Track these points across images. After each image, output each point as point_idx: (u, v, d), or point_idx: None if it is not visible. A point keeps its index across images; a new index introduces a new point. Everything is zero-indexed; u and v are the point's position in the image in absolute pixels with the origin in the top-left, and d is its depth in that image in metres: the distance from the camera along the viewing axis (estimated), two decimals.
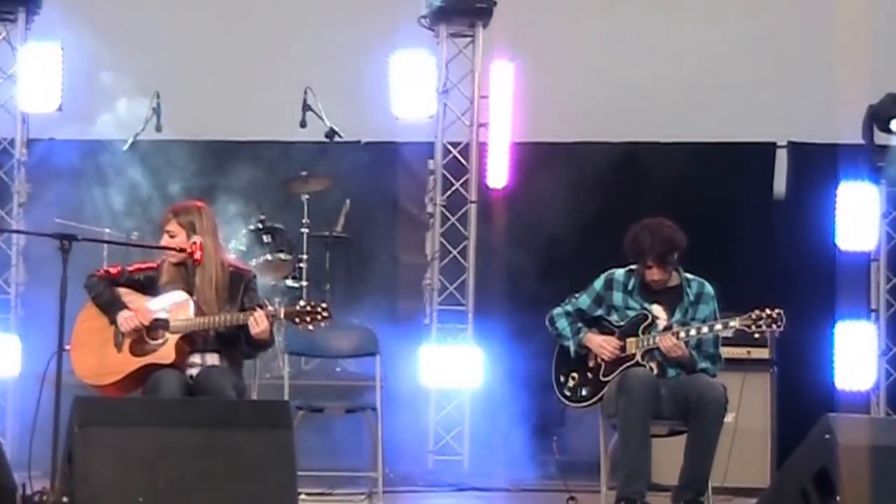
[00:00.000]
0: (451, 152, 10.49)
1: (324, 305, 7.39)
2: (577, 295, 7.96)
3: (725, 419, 7.64)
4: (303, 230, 10.43)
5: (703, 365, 7.76)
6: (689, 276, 7.88)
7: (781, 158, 11.05)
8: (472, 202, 10.42)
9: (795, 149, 10.97)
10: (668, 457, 7.87)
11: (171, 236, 7.48)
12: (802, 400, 9.52)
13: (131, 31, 10.47)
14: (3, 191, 10.10)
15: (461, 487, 9.21)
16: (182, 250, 7.41)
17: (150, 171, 10.18)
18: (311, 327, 7.37)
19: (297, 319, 7.37)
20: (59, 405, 6.54)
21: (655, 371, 7.71)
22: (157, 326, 7.40)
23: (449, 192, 10.45)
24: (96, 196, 10.25)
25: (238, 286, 7.50)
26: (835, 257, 10.24)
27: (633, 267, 7.87)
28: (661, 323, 7.77)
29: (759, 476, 8.78)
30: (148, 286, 7.51)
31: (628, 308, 7.83)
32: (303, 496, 7.15)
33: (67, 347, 7.09)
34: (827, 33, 9.97)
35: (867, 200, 10.24)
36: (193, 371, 7.41)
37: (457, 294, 10.35)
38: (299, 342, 8.52)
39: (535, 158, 10.61)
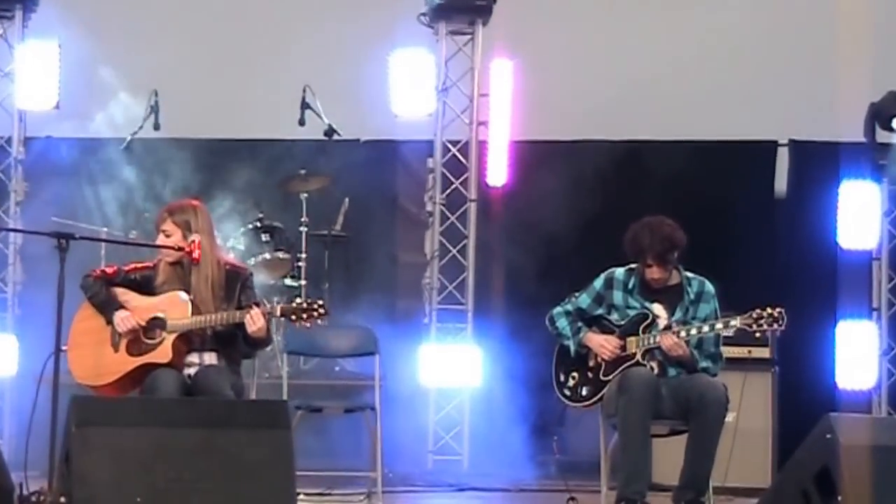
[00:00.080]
0: (450, 151, 10.49)
1: (320, 302, 7.37)
2: (577, 294, 7.95)
3: (726, 419, 7.62)
4: (301, 229, 10.41)
5: (703, 364, 7.74)
6: (689, 274, 7.86)
7: (782, 157, 11.03)
8: (471, 201, 10.42)
9: (797, 147, 10.95)
10: (668, 457, 7.85)
11: (167, 235, 7.46)
12: (803, 399, 9.52)
13: (129, 29, 10.47)
14: (0, 189, 10.08)
15: (461, 487, 9.20)
16: (180, 249, 7.40)
17: (147, 170, 10.17)
18: (307, 325, 7.35)
19: (294, 317, 7.35)
20: (57, 405, 6.54)
21: (656, 370, 7.70)
22: (154, 326, 7.38)
23: (448, 191, 10.45)
24: (94, 195, 10.24)
25: (235, 285, 7.48)
26: (836, 256, 10.24)
27: (633, 266, 7.86)
28: (662, 322, 7.76)
29: (760, 476, 8.77)
30: (144, 286, 7.49)
31: (628, 307, 7.82)
32: (301, 496, 7.13)
33: (64, 348, 7.07)
34: (828, 31, 9.96)
35: (869, 199, 10.24)
36: (191, 370, 7.39)
37: (456, 293, 10.34)
38: (298, 342, 8.52)
39: (534, 157, 10.60)
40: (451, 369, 10.14)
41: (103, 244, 9.69)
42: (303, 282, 10.29)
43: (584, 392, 7.85)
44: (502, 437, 9.68)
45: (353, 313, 10.28)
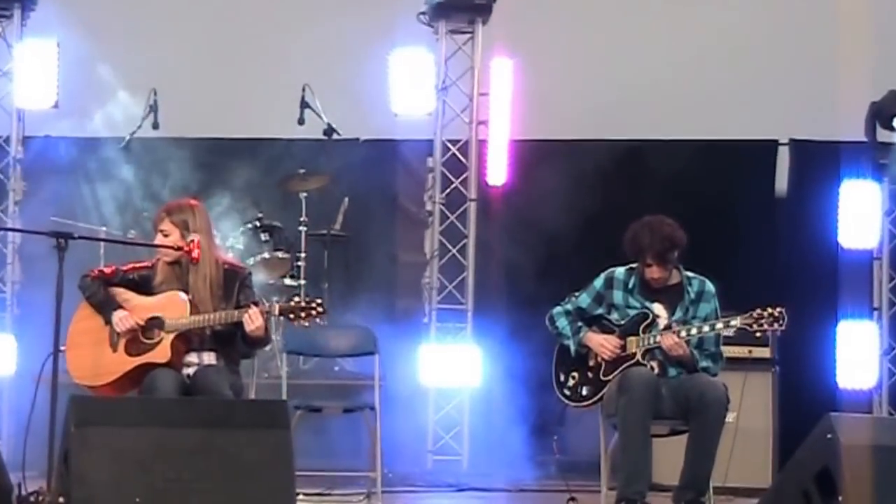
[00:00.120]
0: (450, 150, 10.48)
1: (318, 301, 7.36)
2: (577, 293, 7.94)
3: (727, 419, 7.61)
4: (301, 228, 10.40)
5: (703, 364, 7.73)
6: (689, 274, 7.86)
7: (783, 156, 11.02)
8: (471, 200, 10.41)
9: (797, 146, 10.94)
10: (668, 457, 7.85)
11: (165, 235, 7.46)
12: (804, 399, 9.49)
13: (128, 28, 10.45)
14: None
15: (460, 488, 9.18)
16: (179, 249, 7.39)
17: (146, 169, 10.16)
18: (305, 323, 7.34)
19: (292, 315, 7.34)
20: (56, 405, 6.52)
21: (656, 370, 7.69)
22: (153, 326, 7.36)
23: (448, 190, 10.44)
24: (93, 194, 10.22)
25: (233, 284, 7.47)
26: (837, 255, 10.22)
27: (633, 265, 7.85)
28: (662, 322, 7.75)
29: (761, 476, 8.76)
30: (143, 285, 7.48)
31: (629, 307, 7.81)
32: (301, 496, 7.14)
33: (63, 348, 7.05)
34: (828, 30, 9.94)
35: (869, 198, 10.22)
36: (190, 370, 7.38)
37: (456, 293, 10.33)
38: (297, 341, 8.52)
39: (534, 156, 10.58)
40: (450, 369, 10.13)
41: (102, 243, 9.68)
42: (302, 281, 10.27)
43: (584, 392, 7.84)
44: (502, 437, 9.67)
45: (352, 313, 10.29)
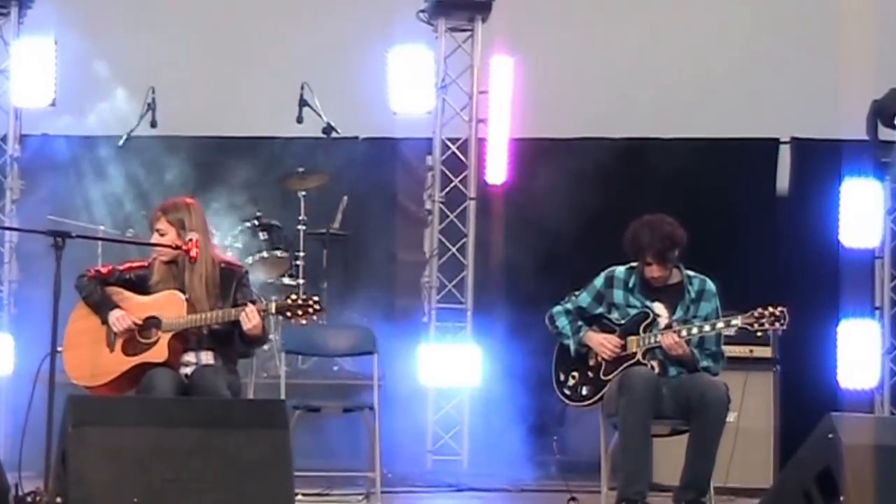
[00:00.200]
0: (449, 148, 10.46)
1: (315, 299, 7.34)
2: (577, 293, 7.93)
3: (727, 419, 7.60)
4: (299, 227, 10.37)
5: (704, 364, 7.72)
6: (690, 273, 7.85)
7: (784, 154, 11.01)
8: (471, 199, 10.39)
9: (798, 145, 10.93)
10: (669, 457, 7.84)
11: (161, 234, 7.44)
12: (805, 399, 9.48)
13: (126, 25, 10.43)
14: None
15: (460, 488, 9.16)
16: (178, 248, 7.37)
17: (144, 168, 10.13)
18: (303, 321, 7.32)
19: (289, 313, 7.31)
20: (53, 405, 6.51)
21: (657, 370, 7.68)
22: (149, 325, 7.34)
23: (448, 189, 10.43)
24: (90, 192, 10.21)
25: (230, 283, 7.45)
26: (838, 254, 10.21)
27: (633, 264, 7.85)
28: (663, 321, 7.74)
29: (762, 476, 8.73)
30: (139, 285, 7.46)
31: (629, 306, 7.80)
32: (299, 497, 7.16)
33: (60, 349, 7.02)
34: (830, 28, 9.94)
35: (871, 197, 10.21)
36: (188, 370, 7.36)
37: (455, 292, 10.32)
38: (296, 341, 8.50)
39: (534, 154, 10.58)
40: (450, 369, 10.12)
41: (100, 242, 9.66)
42: (301, 280, 10.25)
43: (584, 391, 7.83)
44: (502, 437, 9.66)
45: (351, 312, 10.29)
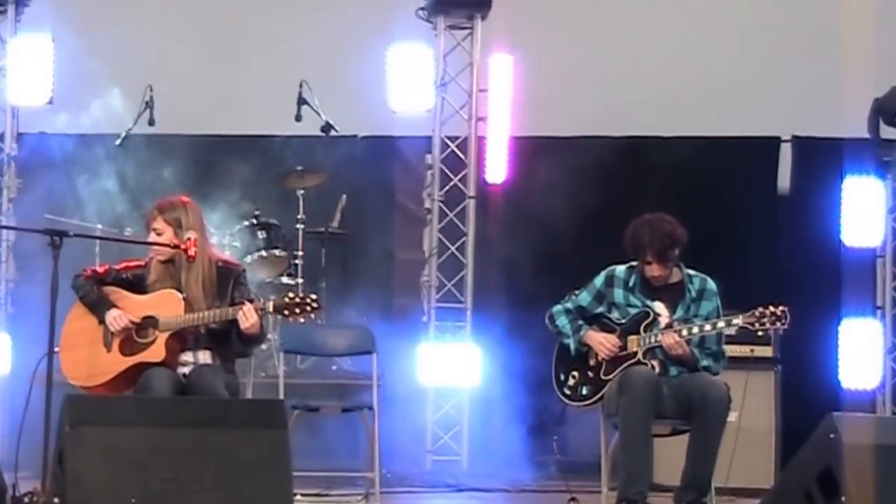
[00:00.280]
0: (449, 147, 10.46)
1: (313, 297, 7.32)
2: (577, 292, 7.93)
3: (728, 418, 7.59)
4: (298, 226, 10.35)
5: (704, 363, 7.72)
6: (691, 272, 7.85)
7: (786, 153, 10.99)
8: (470, 197, 10.38)
9: (800, 143, 10.91)
10: (670, 457, 7.82)
11: (158, 234, 7.42)
12: (807, 399, 9.46)
13: (123, 23, 10.40)
14: None
15: (460, 488, 9.16)
16: (176, 247, 7.35)
17: (142, 166, 10.09)
18: (301, 320, 7.30)
19: (287, 312, 7.29)
20: (50, 404, 6.49)
21: (657, 369, 7.67)
22: (147, 325, 7.32)
23: (447, 188, 10.42)
24: (88, 191, 10.15)
25: (227, 282, 7.43)
26: (840, 254, 10.20)
27: (633, 263, 7.84)
28: (663, 320, 7.74)
29: (763, 476, 8.71)
30: (136, 284, 7.44)
31: (629, 305, 7.79)
32: (298, 497, 7.16)
33: (56, 350, 6.99)
34: (831, 26, 9.95)
35: (873, 195, 10.21)
36: (186, 370, 7.34)
37: (455, 291, 10.31)
38: (295, 340, 8.49)
39: (534, 153, 10.57)
40: (449, 368, 10.11)
41: (97, 241, 9.63)
42: (300, 280, 10.23)
43: (584, 391, 7.82)
44: (502, 437, 9.67)
45: (350, 311, 10.27)
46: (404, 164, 10.85)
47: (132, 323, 7.31)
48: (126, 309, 7.34)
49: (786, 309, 7.50)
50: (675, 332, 7.60)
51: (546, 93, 10.42)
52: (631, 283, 7.79)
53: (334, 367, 10.06)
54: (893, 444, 6.48)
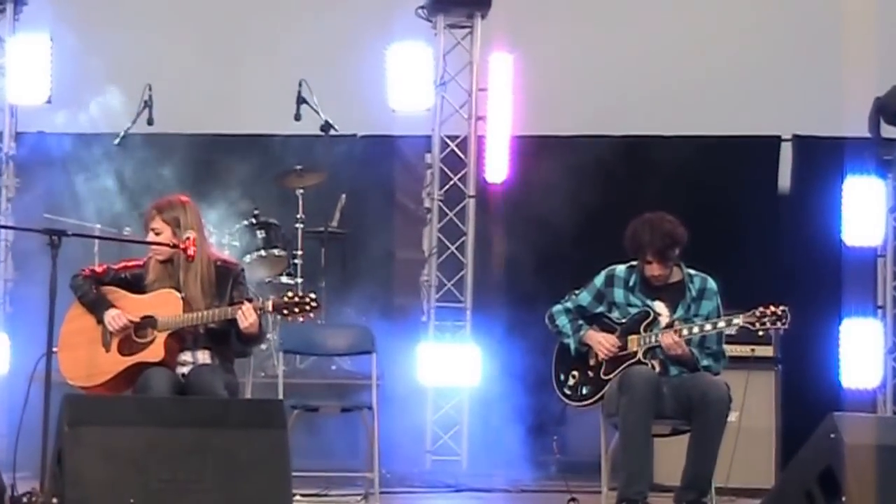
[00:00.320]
0: (448, 146, 10.45)
1: (312, 296, 7.30)
2: (577, 291, 7.92)
3: (729, 418, 7.58)
4: (297, 225, 10.34)
5: (704, 363, 7.71)
6: (691, 271, 7.84)
7: (786, 152, 10.97)
8: (470, 197, 10.38)
9: (800, 142, 10.90)
10: (670, 457, 7.82)
11: (157, 233, 7.41)
12: (808, 399, 9.45)
13: (122, 22, 10.41)
14: None
15: (459, 488, 9.15)
16: (175, 246, 7.33)
17: (141, 165, 10.07)
18: (300, 319, 7.29)
19: (286, 311, 7.28)
20: (49, 404, 6.49)
21: (657, 369, 7.65)
22: (145, 324, 7.31)
23: (447, 187, 10.42)
24: (87, 190, 10.14)
25: (226, 281, 7.42)
26: (841, 253, 10.19)
27: (634, 263, 7.83)
28: (664, 320, 7.73)
29: (764, 476, 8.71)
30: (135, 284, 7.43)
31: (630, 305, 7.78)
32: (297, 497, 7.15)
33: (55, 350, 6.98)
34: (832, 25, 9.93)
35: (874, 195, 10.20)
36: (185, 369, 7.33)
37: (455, 291, 10.30)
38: (294, 340, 8.49)
39: (534, 152, 10.56)
40: (449, 368, 10.10)
41: (96, 241, 9.61)
42: (299, 279, 10.21)
43: (584, 391, 7.81)
44: (501, 437, 9.64)
45: (349, 311, 10.26)
46: (404, 163, 10.84)
47: (131, 323, 7.29)
48: (125, 309, 7.32)
49: (786, 308, 7.48)
50: (676, 331, 7.59)
51: (546, 92, 10.41)
52: (631, 283, 7.77)
53: (334, 367, 10.05)
54: (894, 444, 6.46)
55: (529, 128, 10.52)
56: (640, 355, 7.66)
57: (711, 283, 7.79)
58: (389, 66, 10.32)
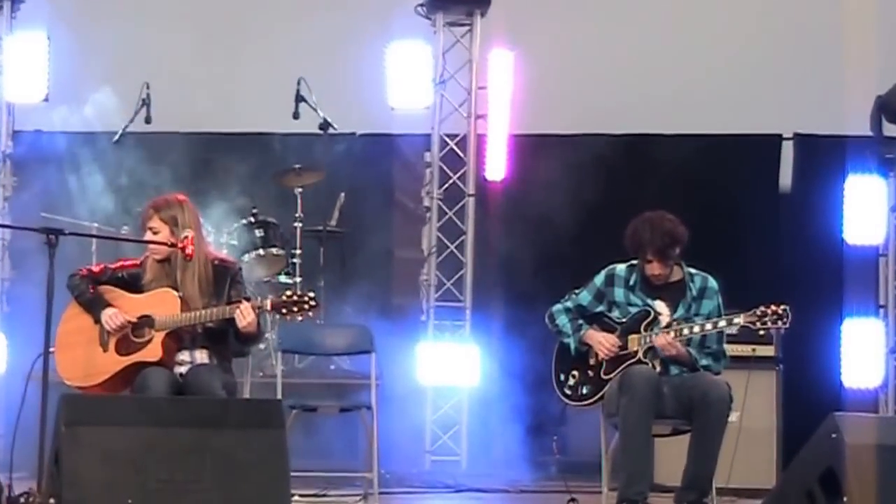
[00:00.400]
0: (448, 144, 10.45)
1: (311, 295, 7.28)
2: (577, 291, 7.91)
3: (730, 418, 7.57)
4: (296, 224, 10.32)
5: (704, 362, 7.70)
6: (692, 270, 7.83)
7: (787, 151, 10.97)
8: (469, 195, 10.38)
9: (802, 141, 10.89)
10: (670, 457, 7.81)
11: (154, 233, 7.40)
12: (809, 398, 9.45)
13: (119, 20, 10.39)
14: None
15: (459, 488, 9.14)
16: (173, 245, 7.31)
17: (139, 164, 10.05)
18: (299, 318, 7.27)
19: (285, 310, 7.26)
20: (46, 404, 6.47)
21: (658, 369, 7.65)
22: (143, 324, 7.29)
23: (446, 186, 10.42)
24: (84, 189, 10.13)
25: (224, 280, 7.40)
26: (842, 252, 10.16)
27: (634, 262, 7.82)
28: (664, 319, 7.73)
29: (765, 476, 8.70)
30: (132, 284, 7.41)
31: (630, 304, 7.77)
32: (296, 497, 7.15)
33: (52, 350, 6.96)
34: (833, 23, 9.93)
35: (875, 193, 10.17)
36: (183, 369, 7.31)
37: (454, 290, 10.30)
38: (293, 340, 8.48)
39: (534, 150, 10.56)
40: (448, 368, 10.10)
41: (94, 240, 9.59)
42: (298, 278, 10.20)
43: (584, 391, 7.80)
44: (501, 437, 9.64)
45: (348, 310, 10.24)
46: (403, 161, 10.83)
47: (128, 322, 7.27)
48: (122, 308, 7.30)
49: (787, 308, 7.47)
50: (676, 331, 7.57)
51: (546, 90, 10.41)
52: (631, 282, 7.76)
53: (332, 367, 10.04)
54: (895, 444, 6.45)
55: (529, 126, 10.52)
56: (640, 355, 7.65)
57: (712, 283, 7.78)
58: (388, 64, 10.32)
